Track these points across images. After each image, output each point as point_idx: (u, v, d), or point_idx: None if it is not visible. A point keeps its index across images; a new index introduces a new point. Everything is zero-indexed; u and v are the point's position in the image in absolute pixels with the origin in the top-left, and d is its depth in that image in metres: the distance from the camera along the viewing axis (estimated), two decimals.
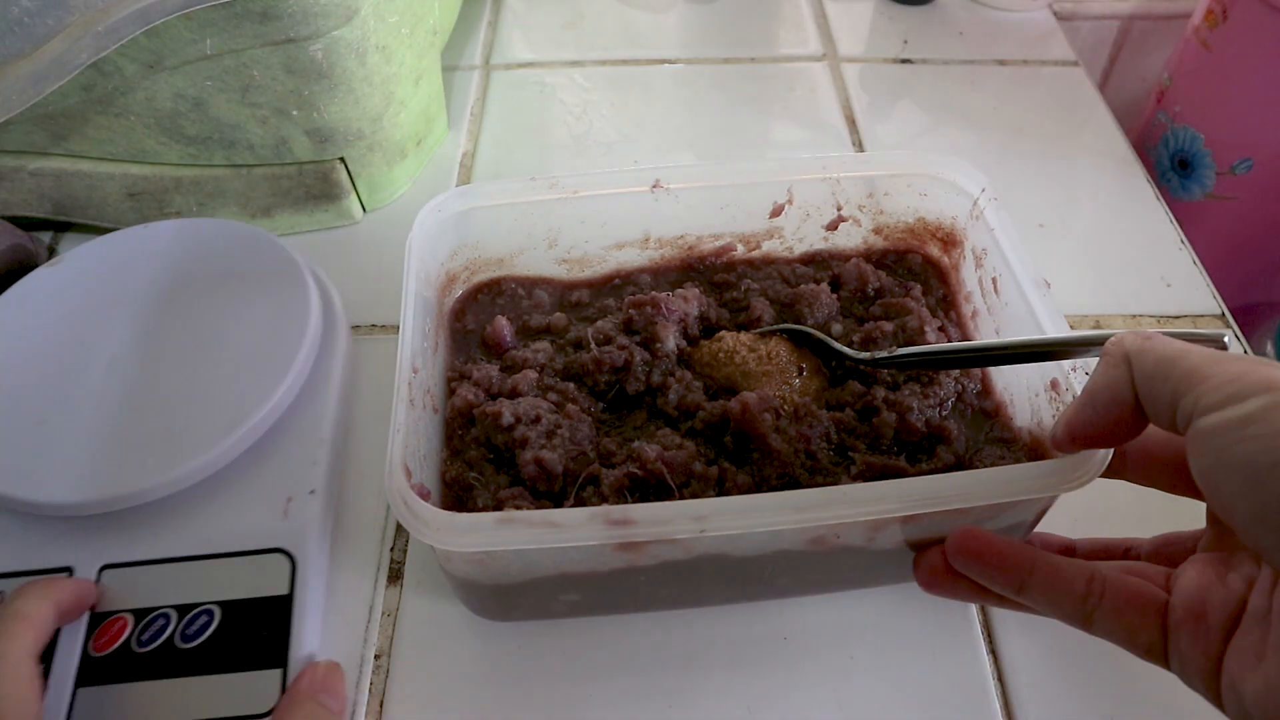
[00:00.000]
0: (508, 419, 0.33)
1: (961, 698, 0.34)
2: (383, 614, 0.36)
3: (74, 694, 0.31)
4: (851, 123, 0.58)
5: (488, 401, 0.35)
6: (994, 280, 0.37)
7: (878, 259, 0.42)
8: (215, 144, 0.46)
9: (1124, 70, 0.79)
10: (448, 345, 0.39)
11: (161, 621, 0.33)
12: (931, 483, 0.28)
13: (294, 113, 0.44)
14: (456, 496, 0.34)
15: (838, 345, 0.36)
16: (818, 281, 0.40)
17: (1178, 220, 0.52)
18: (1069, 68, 0.63)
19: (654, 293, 0.38)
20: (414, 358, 0.33)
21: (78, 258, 0.42)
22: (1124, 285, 0.48)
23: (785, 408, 0.34)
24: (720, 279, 0.41)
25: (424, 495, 0.30)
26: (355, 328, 0.46)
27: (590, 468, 0.33)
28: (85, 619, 0.33)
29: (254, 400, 0.36)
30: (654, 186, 0.39)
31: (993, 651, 0.35)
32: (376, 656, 0.35)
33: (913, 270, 0.41)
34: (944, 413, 0.36)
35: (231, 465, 0.35)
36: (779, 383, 0.35)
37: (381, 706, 0.34)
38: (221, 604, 0.33)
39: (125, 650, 0.32)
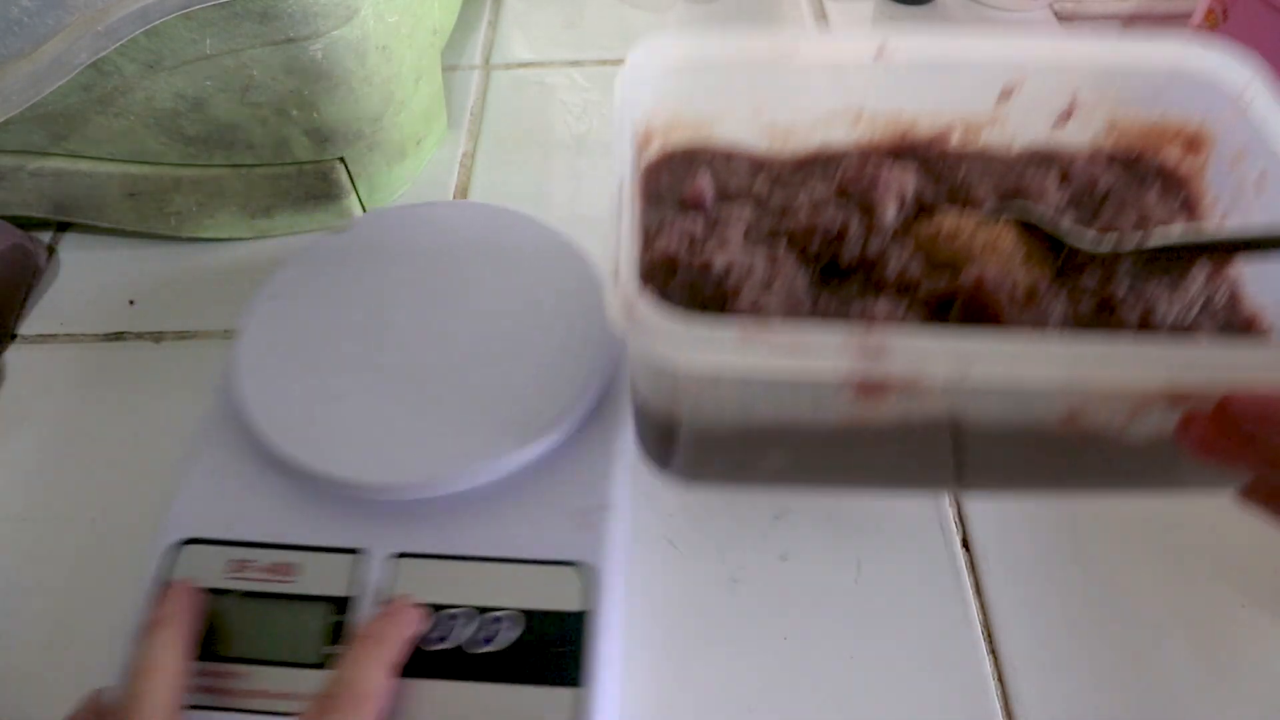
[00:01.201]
0: (720, 267, 0.30)
1: (960, 699, 0.34)
2: None
3: None
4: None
5: (687, 249, 0.32)
6: (1259, 177, 0.33)
7: (1105, 162, 0.37)
8: (215, 144, 0.46)
9: None
10: (640, 204, 0.35)
11: (454, 621, 0.32)
12: (1244, 352, 0.24)
13: (294, 113, 0.44)
14: None
15: (1073, 235, 0.32)
16: (1042, 175, 0.36)
17: None
18: None
19: (872, 163, 0.35)
20: (624, 181, 0.29)
21: (366, 227, 0.41)
22: None
23: (1018, 291, 0.31)
24: (934, 166, 0.37)
25: None
26: None
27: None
28: (376, 605, 0.32)
29: (562, 402, 0.35)
30: (877, 55, 0.35)
31: (993, 652, 0.35)
32: None
33: (1147, 175, 0.37)
34: (1192, 315, 0.32)
35: (530, 467, 0.34)
36: (1008, 269, 0.32)
37: None
38: (517, 611, 0.32)
39: (418, 646, 0.31)
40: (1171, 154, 0.37)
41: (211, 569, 0.33)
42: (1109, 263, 0.32)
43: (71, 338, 0.46)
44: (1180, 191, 0.36)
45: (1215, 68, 0.34)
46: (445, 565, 0.33)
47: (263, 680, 0.31)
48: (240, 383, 0.36)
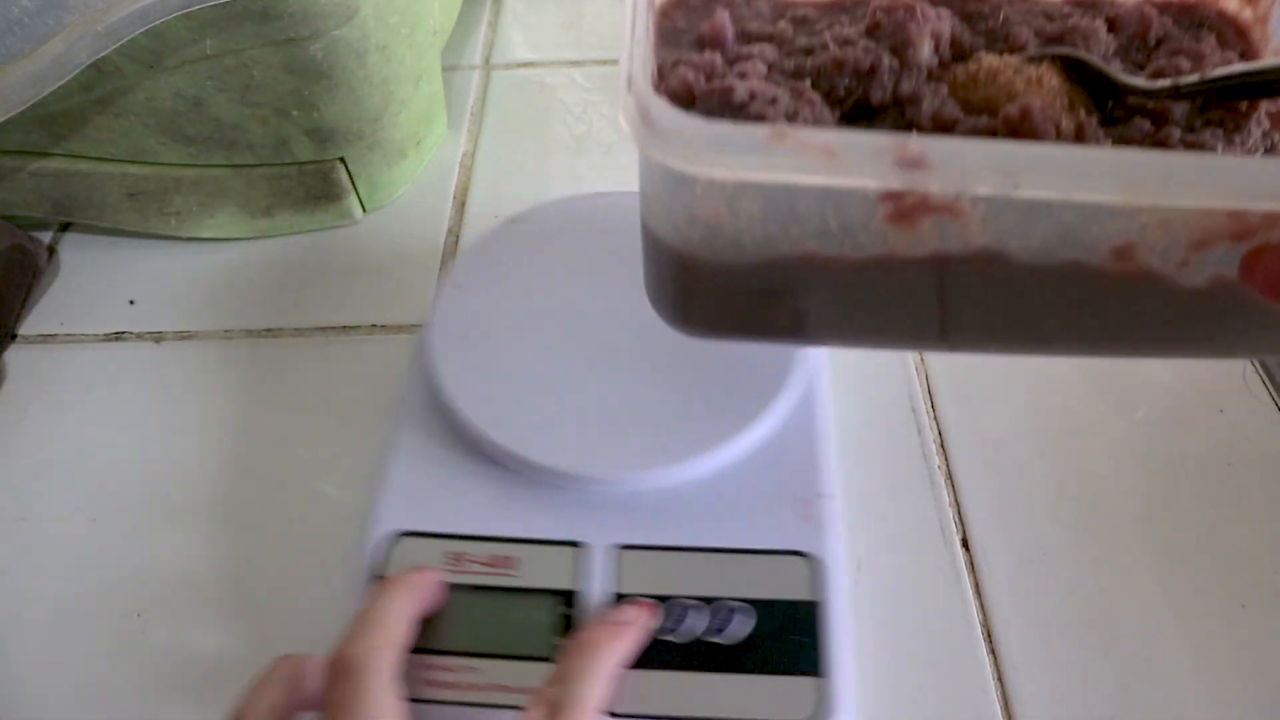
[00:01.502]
0: (742, 95, 0.28)
1: (960, 699, 0.34)
2: None
3: None
4: None
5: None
6: None
7: (1159, 8, 0.34)
8: (215, 144, 0.46)
9: None
10: (655, 43, 0.33)
11: (688, 612, 0.32)
12: None
13: (294, 113, 0.44)
14: None
15: (1121, 75, 0.29)
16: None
17: None
18: None
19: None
20: None
21: (539, 217, 0.41)
22: None
23: (1068, 130, 0.28)
24: (973, 9, 0.35)
25: None
26: (354, 327, 0.46)
27: None
28: (606, 597, 0.32)
29: (774, 386, 0.35)
30: None
31: (993, 651, 0.35)
32: None
33: (1203, 24, 0.34)
34: None
35: (745, 456, 0.34)
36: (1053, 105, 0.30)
37: None
38: (748, 601, 0.32)
39: (655, 637, 0.31)
40: (1231, 2, 0.34)
41: (427, 562, 0.33)
42: (1161, 110, 0.29)
43: (71, 338, 0.46)
44: (1239, 42, 0.33)
45: None
46: (669, 556, 0.33)
47: (493, 674, 0.31)
48: (441, 374, 0.35)
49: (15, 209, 0.48)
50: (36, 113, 0.42)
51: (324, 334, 0.45)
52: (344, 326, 0.46)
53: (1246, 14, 0.34)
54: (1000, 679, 0.34)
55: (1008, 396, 0.42)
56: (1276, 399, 0.43)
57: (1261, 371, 0.43)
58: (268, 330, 0.46)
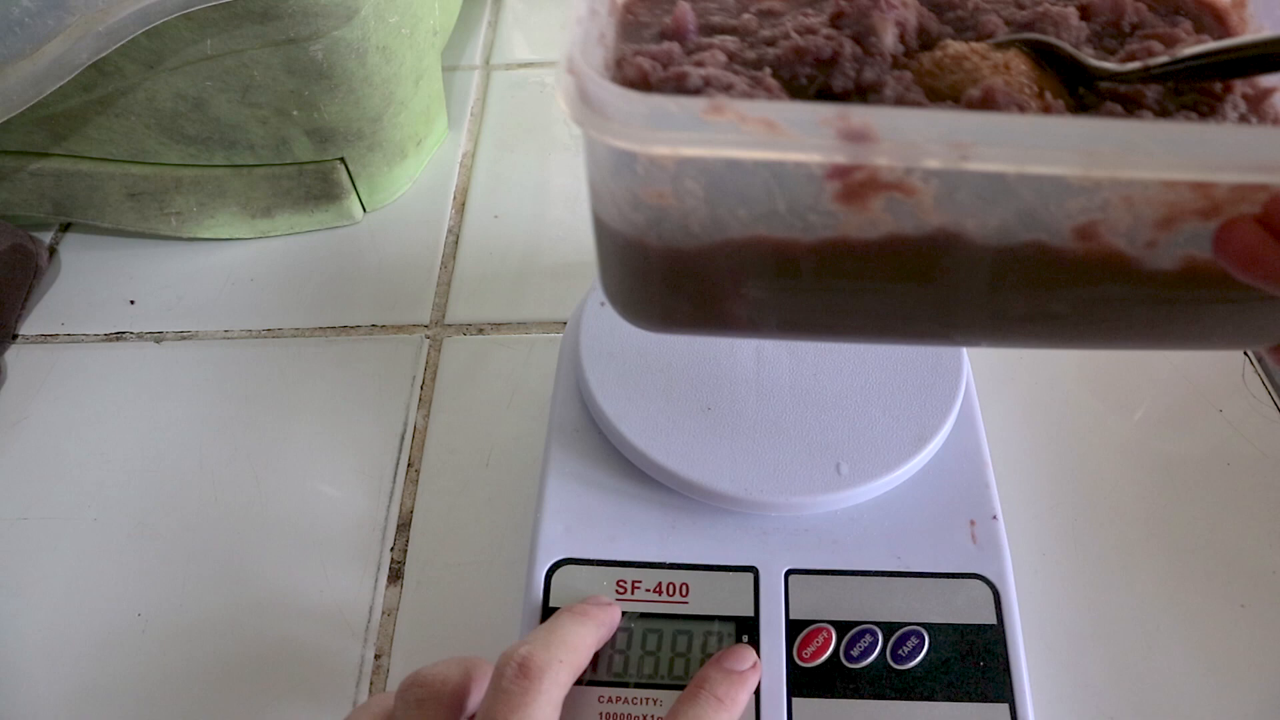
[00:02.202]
0: (695, 82, 0.27)
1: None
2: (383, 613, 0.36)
3: (790, 703, 0.30)
4: None
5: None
6: None
7: None
8: (216, 144, 0.46)
9: None
10: (617, 38, 0.33)
11: (868, 637, 0.31)
12: None
13: (294, 113, 0.44)
14: None
15: (1090, 59, 0.29)
16: (1065, 6, 0.33)
17: None
18: None
19: None
20: None
21: None
22: None
23: (1032, 109, 0.27)
24: (942, 2, 0.34)
25: None
26: (355, 327, 0.46)
27: None
28: (782, 624, 0.32)
29: (937, 406, 0.34)
30: None
31: None
32: (376, 656, 0.35)
33: (1181, 10, 0.34)
34: None
35: (914, 479, 0.34)
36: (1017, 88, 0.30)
37: None
38: (928, 626, 0.31)
39: (835, 664, 0.31)
40: None
41: (597, 591, 0.32)
42: (1133, 95, 0.28)
43: (72, 338, 0.46)
44: (1217, 27, 0.33)
45: None
46: (843, 581, 0.32)
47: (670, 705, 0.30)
48: (598, 393, 0.35)
49: (16, 209, 0.48)
50: (37, 113, 0.42)
51: (324, 334, 0.45)
52: (344, 326, 0.46)
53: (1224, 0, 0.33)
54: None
55: (1006, 396, 0.42)
56: (1275, 399, 0.43)
57: (1260, 371, 0.43)
58: (268, 330, 0.46)
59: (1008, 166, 0.20)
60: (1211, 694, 0.33)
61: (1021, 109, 0.25)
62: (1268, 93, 0.29)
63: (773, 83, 0.28)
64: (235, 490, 0.40)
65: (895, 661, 0.31)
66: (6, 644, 0.36)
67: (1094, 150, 0.20)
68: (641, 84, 0.27)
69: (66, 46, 0.36)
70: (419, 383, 0.43)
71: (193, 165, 0.47)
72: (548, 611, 0.32)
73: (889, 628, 0.31)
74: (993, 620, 0.32)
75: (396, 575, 0.37)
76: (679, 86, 0.26)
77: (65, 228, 0.51)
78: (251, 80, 0.42)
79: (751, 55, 0.30)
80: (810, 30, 0.30)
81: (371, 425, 0.41)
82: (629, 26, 0.32)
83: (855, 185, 0.22)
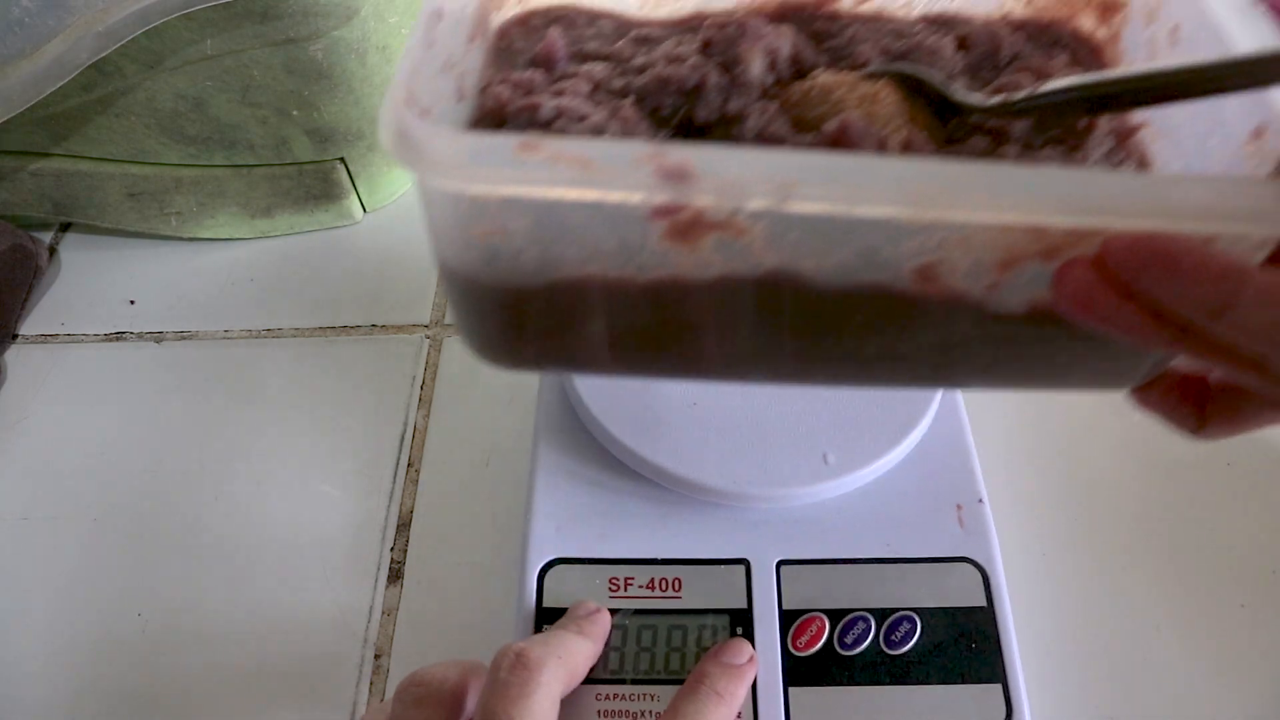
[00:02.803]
0: (548, 112, 0.27)
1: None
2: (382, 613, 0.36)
3: (786, 693, 0.30)
4: None
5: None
6: (1174, 30, 0.29)
7: (1012, 27, 0.34)
8: (215, 144, 0.46)
9: None
10: (488, 63, 0.32)
11: (861, 625, 0.32)
12: (1128, 181, 0.20)
13: (294, 113, 0.44)
14: None
15: (958, 92, 0.29)
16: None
17: None
18: None
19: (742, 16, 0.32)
20: (441, 2, 0.26)
21: None
22: None
23: (893, 141, 0.27)
24: (821, 28, 0.34)
25: None
26: (355, 327, 0.46)
27: None
28: (775, 614, 0.32)
29: (919, 398, 0.34)
30: None
31: None
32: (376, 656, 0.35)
33: (1059, 44, 0.34)
34: None
35: (900, 466, 0.34)
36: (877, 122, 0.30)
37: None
38: (919, 611, 0.32)
39: (829, 652, 0.31)
40: (1086, 21, 0.33)
41: (590, 590, 0.32)
42: (1000, 129, 0.28)
43: (72, 338, 0.46)
44: (1093, 61, 0.33)
45: None
46: (835, 570, 0.33)
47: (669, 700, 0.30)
48: (585, 396, 0.35)
49: (16, 209, 0.48)
50: (37, 113, 0.42)
51: (324, 334, 0.45)
52: (344, 326, 0.46)
53: (1100, 32, 0.33)
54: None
55: (1007, 396, 0.42)
56: None
57: None
58: (268, 330, 0.46)
59: (833, 208, 0.20)
60: (1211, 693, 0.33)
61: (881, 143, 0.25)
62: (1134, 129, 0.29)
63: (631, 113, 0.27)
64: (235, 490, 0.40)
65: (889, 647, 0.31)
66: (6, 644, 0.36)
67: (921, 191, 0.19)
68: (498, 113, 0.27)
69: (66, 46, 0.36)
70: (419, 383, 0.43)
71: (192, 165, 0.47)
72: (542, 613, 0.32)
73: (881, 614, 0.32)
74: (983, 602, 0.32)
75: (396, 575, 0.37)
76: (530, 117, 0.26)
77: (65, 228, 0.51)
78: (251, 80, 0.42)
79: (619, 84, 0.30)
80: (679, 59, 0.30)
81: (371, 425, 0.41)
82: (502, 53, 0.32)
83: (682, 225, 0.22)
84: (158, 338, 0.46)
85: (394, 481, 0.40)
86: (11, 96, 0.35)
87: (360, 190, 0.50)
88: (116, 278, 0.49)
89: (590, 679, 0.30)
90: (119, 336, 0.46)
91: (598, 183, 0.20)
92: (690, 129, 0.28)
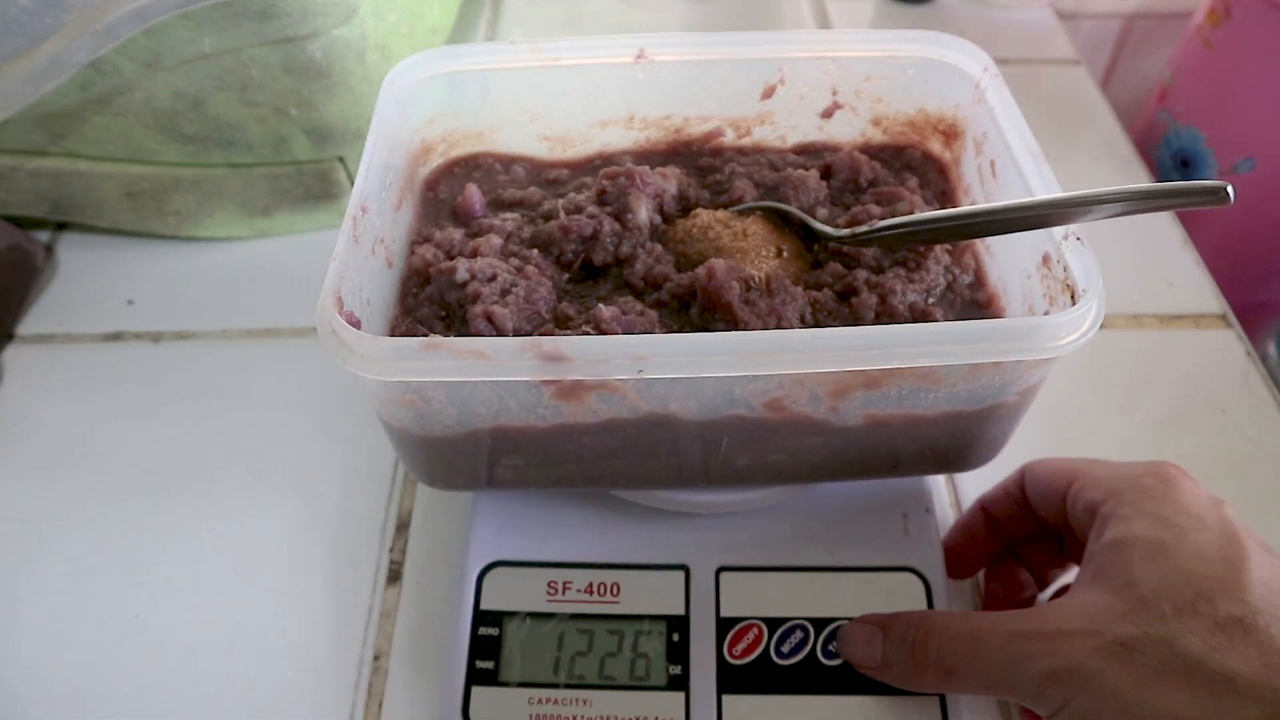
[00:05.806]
0: (462, 275, 0.31)
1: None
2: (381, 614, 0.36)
3: (719, 701, 0.30)
4: None
5: (445, 261, 0.33)
6: (992, 164, 0.34)
7: (874, 154, 0.38)
8: (214, 143, 0.45)
9: (1126, 69, 0.79)
10: (417, 214, 0.37)
11: (799, 633, 0.31)
12: (894, 332, 0.25)
13: (293, 112, 0.44)
14: None
15: (815, 224, 0.34)
16: (807, 169, 0.37)
17: (1179, 219, 0.52)
18: (1071, 66, 0.62)
19: (631, 166, 0.36)
20: (365, 197, 0.30)
21: None
22: (1127, 284, 0.48)
23: (757, 280, 0.31)
24: (706, 164, 0.39)
25: (355, 325, 0.28)
26: None
27: (543, 328, 0.31)
28: (713, 622, 0.32)
29: None
30: (638, 57, 0.36)
31: None
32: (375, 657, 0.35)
33: (911, 165, 0.39)
34: (931, 300, 0.33)
35: None
36: (755, 261, 0.33)
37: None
38: None
39: (765, 661, 0.31)
40: (934, 145, 0.38)
41: (529, 593, 0.32)
42: (855, 254, 0.33)
43: (70, 338, 0.46)
44: (940, 180, 0.38)
45: (958, 57, 0.36)
46: (775, 577, 0.33)
47: (605, 705, 0.30)
48: None
49: (13, 209, 0.48)
50: (35, 112, 0.42)
51: None
52: None
53: (946, 155, 0.38)
54: None
55: None
56: (1278, 399, 0.42)
57: (1263, 371, 0.43)
58: (268, 330, 0.46)
59: (677, 374, 0.25)
60: None
61: (746, 281, 0.31)
62: (965, 247, 0.34)
63: (534, 269, 0.32)
64: (234, 490, 0.40)
65: (825, 657, 0.31)
66: (6, 644, 0.36)
67: (743, 355, 0.25)
68: (423, 272, 0.33)
69: (64, 45, 0.35)
70: None
71: (191, 164, 0.47)
72: (480, 614, 0.32)
73: (820, 623, 0.32)
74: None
75: (396, 576, 0.37)
76: (448, 280, 0.31)
77: (62, 227, 0.51)
78: (250, 79, 0.42)
79: (528, 232, 0.35)
80: (577, 209, 0.35)
81: (371, 425, 0.41)
82: (429, 204, 0.37)
83: (566, 388, 0.27)
84: (156, 337, 0.46)
85: (393, 482, 0.40)
86: (9, 95, 0.35)
87: None
88: (114, 277, 0.48)
89: (524, 682, 0.31)
90: (117, 336, 0.46)
91: (494, 369, 0.25)
92: (589, 270, 0.34)
